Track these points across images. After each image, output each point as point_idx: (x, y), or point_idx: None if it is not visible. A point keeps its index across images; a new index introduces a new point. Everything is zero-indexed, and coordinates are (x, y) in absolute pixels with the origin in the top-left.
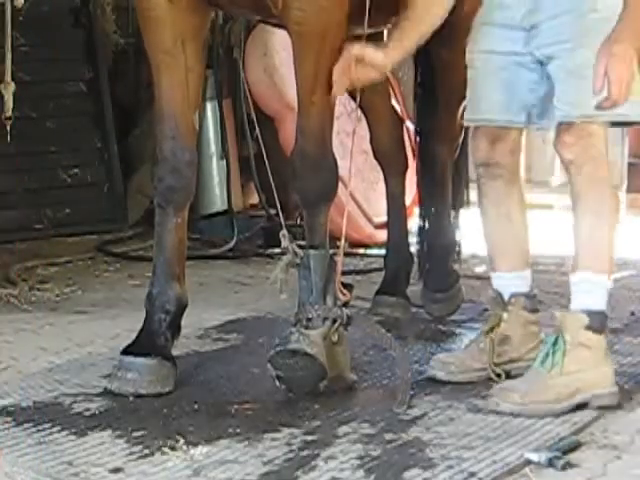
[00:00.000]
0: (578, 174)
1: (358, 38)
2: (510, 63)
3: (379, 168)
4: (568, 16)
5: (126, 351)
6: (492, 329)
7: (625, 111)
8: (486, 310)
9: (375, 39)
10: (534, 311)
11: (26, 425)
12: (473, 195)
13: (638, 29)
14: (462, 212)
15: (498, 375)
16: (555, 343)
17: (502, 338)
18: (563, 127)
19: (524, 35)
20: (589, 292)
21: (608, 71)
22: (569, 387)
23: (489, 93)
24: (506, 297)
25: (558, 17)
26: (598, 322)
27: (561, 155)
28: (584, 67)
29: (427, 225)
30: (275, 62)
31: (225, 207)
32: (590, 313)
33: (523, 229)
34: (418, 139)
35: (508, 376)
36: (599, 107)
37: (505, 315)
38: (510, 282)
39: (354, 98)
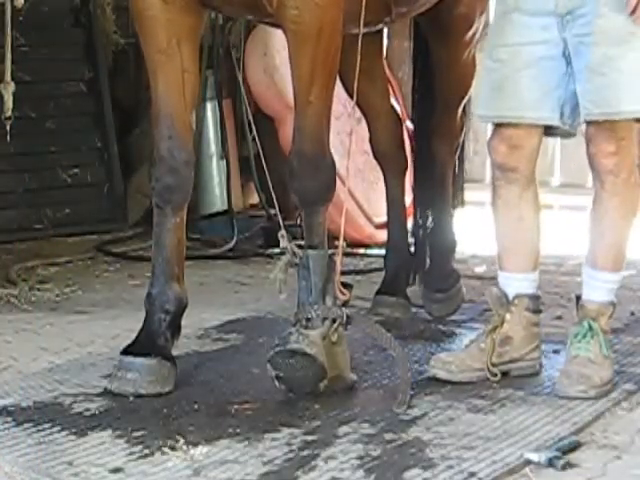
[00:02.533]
0: (614, 183)
1: (356, 37)
2: (541, 56)
3: (379, 168)
4: (592, 5)
5: (126, 351)
6: (494, 329)
7: None
8: (486, 310)
9: (372, 39)
10: (537, 312)
11: (26, 425)
12: (469, 195)
13: None
14: (457, 212)
15: (494, 375)
16: (590, 328)
17: (503, 338)
18: (600, 135)
19: (558, 20)
20: (609, 289)
21: None
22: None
23: (519, 89)
24: (510, 297)
25: (586, 5)
26: (613, 311)
27: (600, 163)
28: (601, 64)
29: (422, 225)
30: (275, 62)
31: (225, 207)
32: (611, 304)
33: (535, 232)
34: (416, 139)
35: (505, 375)
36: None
37: (508, 316)
38: (516, 283)
39: (353, 97)
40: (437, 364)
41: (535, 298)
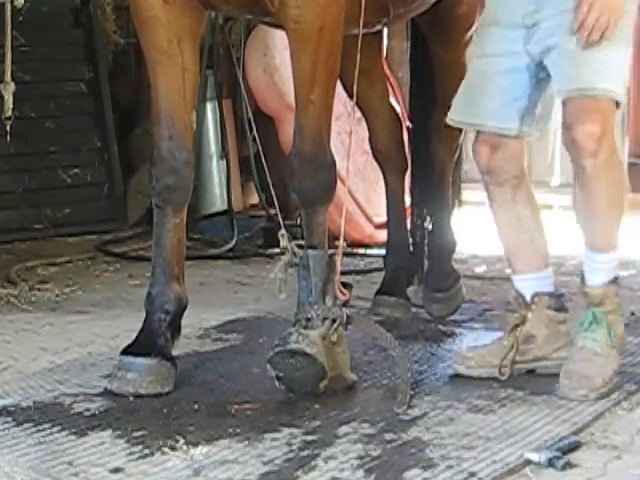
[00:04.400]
0: (594, 165)
1: (356, 37)
2: (508, 68)
3: (379, 168)
4: (568, 13)
5: (126, 351)
6: (516, 327)
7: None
8: (486, 310)
9: (371, 40)
10: (561, 310)
11: (26, 425)
12: (469, 195)
13: None
14: (455, 212)
15: (503, 374)
16: (595, 317)
17: (527, 337)
18: (584, 114)
19: (524, 32)
20: (609, 268)
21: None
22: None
23: (484, 99)
24: (528, 297)
25: (560, 15)
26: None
27: (582, 148)
28: (573, 53)
29: (420, 225)
30: (275, 62)
31: (225, 207)
32: (614, 281)
33: (537, 230)
34: (413, 139)
35: (530, 373)
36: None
37: (529, 315)
38: (530, 283)
39: (352, 98)
40: (457, 359)
41: (556, 296)
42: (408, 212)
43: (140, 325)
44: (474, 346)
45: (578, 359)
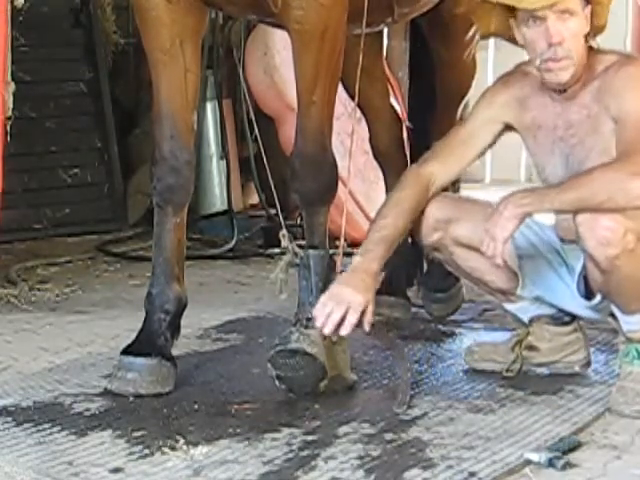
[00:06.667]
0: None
1: (357, 37)
2: None
3: (379, 168)
4: None
5: (126, 351)
6: (520, 342)
7: None
8: (486, 310)
9: (372, 39)
10: (563, 324)
11: (26, 425)
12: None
13: (549, 199)
14: None
15: (509, 371)
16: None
17: (530, 346)
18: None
19: None
20: None
21: (491, 227)
22: None
23: None
24: (526, 320)
25: None
26: None
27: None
28: None
29: None
30: (275, 62)
31: (225, 207)
32: None
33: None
34: (412, 138)
35: (530, 373)
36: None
37: (531, 329)
38: (524, 308)
39: (353, 98)
40: (465, 352)
41: (555, 317)
42: None
43: (140, 325)
44: (482, 342)
45: (629, 380)
